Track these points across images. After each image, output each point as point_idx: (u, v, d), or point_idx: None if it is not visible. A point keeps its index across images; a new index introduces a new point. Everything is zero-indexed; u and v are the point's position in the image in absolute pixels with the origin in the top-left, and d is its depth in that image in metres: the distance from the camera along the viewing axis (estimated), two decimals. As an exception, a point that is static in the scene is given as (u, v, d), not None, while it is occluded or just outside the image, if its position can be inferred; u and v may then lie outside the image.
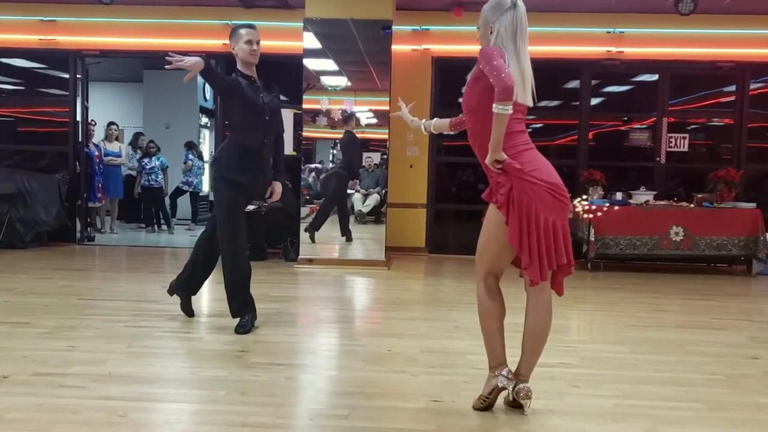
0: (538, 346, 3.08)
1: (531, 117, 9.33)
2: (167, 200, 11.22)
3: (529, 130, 3.19)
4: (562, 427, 2.94)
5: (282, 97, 9.09)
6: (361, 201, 8.57)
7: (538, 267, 2.95)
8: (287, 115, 8.48)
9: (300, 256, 7.51)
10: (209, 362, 3.80)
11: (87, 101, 9.30)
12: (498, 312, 3.12)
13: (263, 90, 4.50)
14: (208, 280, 4.82)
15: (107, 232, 10.38)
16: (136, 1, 8.61)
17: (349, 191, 8.75)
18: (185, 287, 4.79)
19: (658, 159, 8.80)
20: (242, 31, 4.41)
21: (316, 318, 5.14)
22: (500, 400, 3.12)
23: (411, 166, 8.79)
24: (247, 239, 4.59)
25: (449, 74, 8.98)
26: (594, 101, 9.02)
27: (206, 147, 13.35)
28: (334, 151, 9.20)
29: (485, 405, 3.07)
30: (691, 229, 7.65)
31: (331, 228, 8.05)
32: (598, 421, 3.02)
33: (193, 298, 4.88)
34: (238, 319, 4.47)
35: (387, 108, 7.81)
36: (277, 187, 4.65)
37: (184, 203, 11.61)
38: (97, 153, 9.91)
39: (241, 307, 4.49)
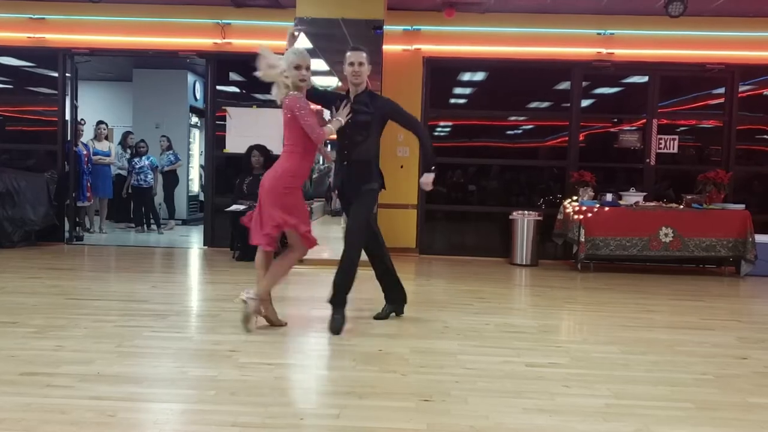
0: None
1: (522, 118, 9.43)
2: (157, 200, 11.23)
3: (520, 131, 3.29)
4: (552, 427, 2.94)
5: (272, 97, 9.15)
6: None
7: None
8: (278, 116, 8.49)
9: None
10: (199, 362, 3.78)
11: (76, 100, 9.25)
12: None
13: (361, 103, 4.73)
14: (203, 278, 4.78)
15: (96, 231, 10.33)
16: (126, 0, 8.57)
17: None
18: (399, 300, 5.16)
19: (647, 160, 8.84)
20: (347, 53, 4.74)
21: (306, 318, 5.12)
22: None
23: (402, 167, 8.78)
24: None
25: (440, 74, 8.99)
26: (584, 103, 9.05)
27: (196, 147, 13.30)
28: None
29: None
30: (680, 231, 7.68)
31: (322, 228, 8.04)
32: (588, 420, 3.03)
33: (189, 297, 4.89)
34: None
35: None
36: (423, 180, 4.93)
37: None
38: (85, 152, 9.85)
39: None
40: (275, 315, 4.66)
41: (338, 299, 4.67)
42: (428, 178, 4.85)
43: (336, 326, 4.54)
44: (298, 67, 4.45)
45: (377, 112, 4.71)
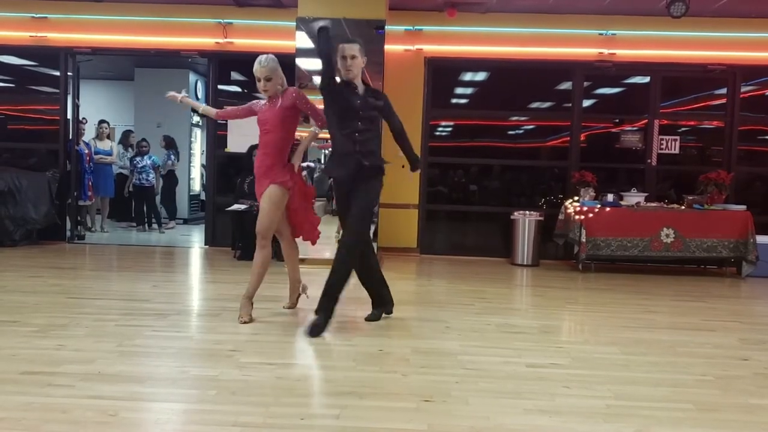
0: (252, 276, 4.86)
1: (523, 118, 9.43)
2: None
3: (521, 131, 3.31)
4: (553, 428, 2.94)
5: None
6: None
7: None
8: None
9: (292, 256, 7.46)
10: (200, 361, 3.79)
11: (78, 99, 9.25)
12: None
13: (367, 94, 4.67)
14: (198, 278, 4.79)
15: (97, 230, 10.34)
16: (128, -1, 8.59)
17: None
18: (388, 300, 5.04)
19: (649, 161, 8.84)
20: (340, 45, 4.63)
21: (307, 318, 5.12)
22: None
23: (403, 167, 8.74)
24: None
25: (442, 74, 8.99)
26: (586, 103, 9.05)
27: (197, 146, 13.31)
28: (326, 152, 9.21)
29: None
30: (681, 231, 7.68)
31: (324, 228, 8.02)
32: (589, 421, 3.02)
33: (190, 296, 4.88)
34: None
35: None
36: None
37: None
38: (87, 151, 9.86)
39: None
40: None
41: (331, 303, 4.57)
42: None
43: (318, 331, 4.44)
44: (258, 80, 4.69)
45: (385, 104, 4.77)
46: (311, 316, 5.13)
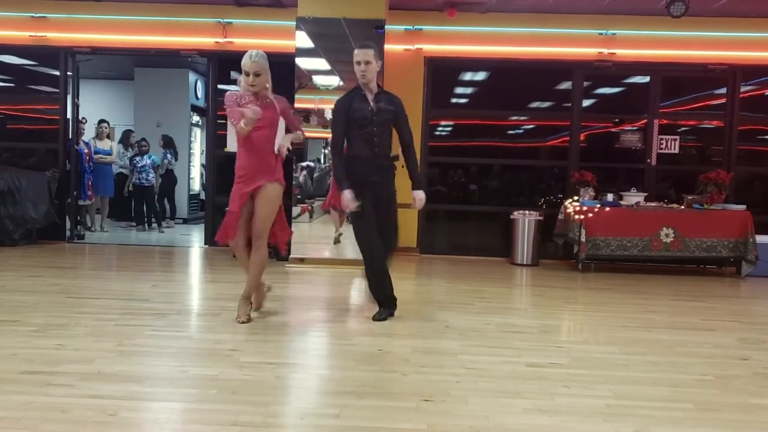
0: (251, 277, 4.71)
1: (523, 118, 9.43)
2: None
3: (521, 131, 3.32)
4: (552, 427, 2.94)
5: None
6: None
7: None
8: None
9: (291, 255, 7.48)
10: (199, 361, 3.79)
11: (77, 98, 9.24)
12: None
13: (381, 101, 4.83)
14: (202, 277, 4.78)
15: (97, 230, 10.34)
16: (128, -2, 8.58)
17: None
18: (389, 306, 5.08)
19: (648, 161, 8.83)
20: (354, 51, 4.74)
21: (307, 317, 5.13)
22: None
23: (403, 166, 8.76)
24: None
25: (441, 74, 8.99)
26: (586, 103, 9.04)
27: (197, 145, 13.31)
28: (326, 151, 9.21)
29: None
30: (681, 231, 7.68)
31: (323, 227, 8.04)
32: (588, 421, 3.03)
33: (190, 296, 4.91)
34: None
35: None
36: (417, 195, 5.23)
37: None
38: (87, 151, 9.86)
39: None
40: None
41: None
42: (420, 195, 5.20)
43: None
44: (246, 74, 4.61)
45: (398, 111, 4.92)
46: (308, 316, 5.15)
